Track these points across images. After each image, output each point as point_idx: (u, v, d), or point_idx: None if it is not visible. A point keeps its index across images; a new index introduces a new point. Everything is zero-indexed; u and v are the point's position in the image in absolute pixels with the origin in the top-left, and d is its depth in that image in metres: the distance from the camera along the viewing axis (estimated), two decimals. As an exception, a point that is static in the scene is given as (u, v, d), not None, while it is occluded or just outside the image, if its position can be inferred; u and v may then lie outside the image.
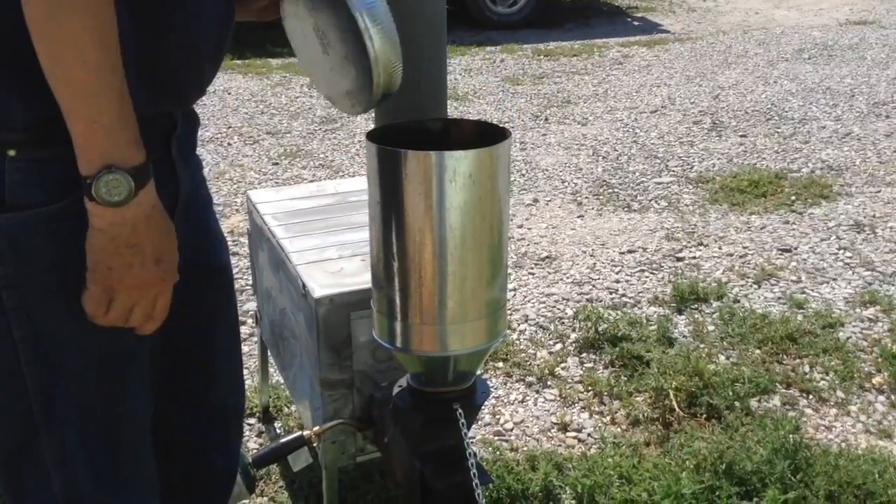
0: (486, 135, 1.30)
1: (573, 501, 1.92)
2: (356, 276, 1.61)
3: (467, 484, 1.38)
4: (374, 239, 1.28)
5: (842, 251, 3.30)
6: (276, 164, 4.47)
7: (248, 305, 2.95)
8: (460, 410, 1.36)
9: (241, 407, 1.45)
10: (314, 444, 1.63)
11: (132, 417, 1.11)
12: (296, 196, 2.05)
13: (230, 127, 5.00)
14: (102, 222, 0.95)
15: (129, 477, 1.12)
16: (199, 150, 1.27)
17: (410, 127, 1.34)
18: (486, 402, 1.47)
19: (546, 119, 5.18)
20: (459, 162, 1.18)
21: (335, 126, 5.01)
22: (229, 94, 5.67)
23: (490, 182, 1.22)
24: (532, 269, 3.23)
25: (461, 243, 1.23)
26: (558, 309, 2.87)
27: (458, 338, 1.28)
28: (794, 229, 3.52)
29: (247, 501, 1.86)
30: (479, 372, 1.43)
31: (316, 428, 1.61)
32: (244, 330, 2.77)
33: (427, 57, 1.48)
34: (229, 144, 4.68)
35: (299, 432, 1.62)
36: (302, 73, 6.36)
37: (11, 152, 0.94)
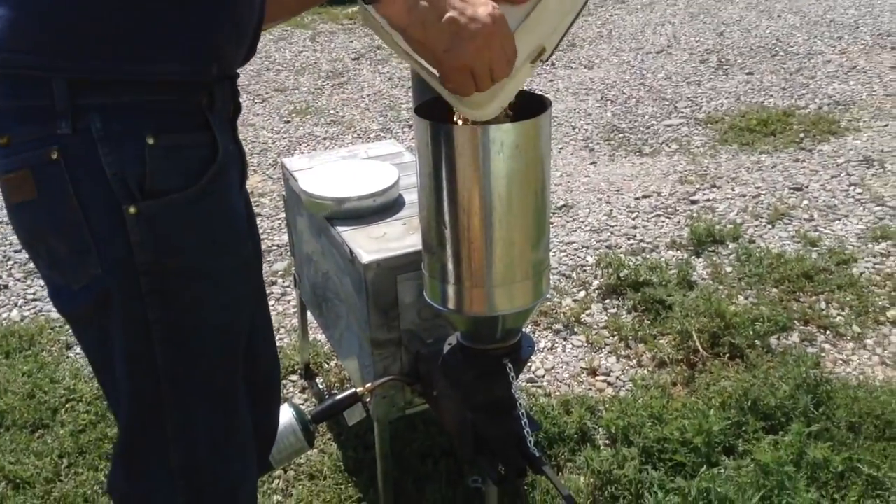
0: (525, 103, 1.36)
1: (608, 441, 2.03)
2: (400, 240, 1.69)
3: (516, 431, 1.48)
4: (425, 207, 1.36)
5: (852, 187, 3.37)
6: (288, 121, 4.51)
7: (276, 265, 3.03)
8: (510, 365, 1.46)
9: (279, 376, 1.49)
10: (366, 400, 1.73)
11: (240, 388, 1.17)
12: (329, 161, 2.11)
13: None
14: (400, 22, 1.03)
15: (240, 443, 1.18)
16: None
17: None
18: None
19: (552, 64, 5.18)
20: (507, 134, 1.24)
21: (342, 80, 5.03)
22: (233, 51, 5.66)
23: (534, 151, 1.28)
24: (551, 218, 3.30)
25: (508, 210, 1.30)
26: (579, 257, 2.95)
27: (506, 298, 1.36)
28: (804, 167, 3.59)
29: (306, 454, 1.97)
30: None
31: (368, 385, 1.71)
32: (276, 290, 2.86)
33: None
34: (239, 103, 4.71)
35: (353, 389, 1.71)
36: (303, 26, 6.34)
37: (150, 140, 0.96)
